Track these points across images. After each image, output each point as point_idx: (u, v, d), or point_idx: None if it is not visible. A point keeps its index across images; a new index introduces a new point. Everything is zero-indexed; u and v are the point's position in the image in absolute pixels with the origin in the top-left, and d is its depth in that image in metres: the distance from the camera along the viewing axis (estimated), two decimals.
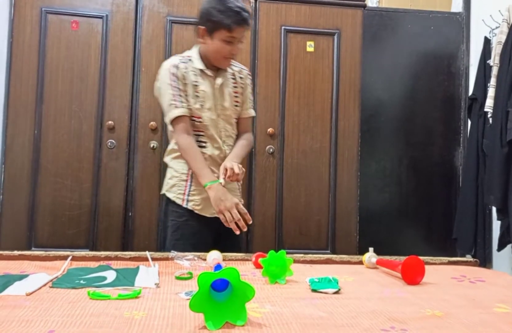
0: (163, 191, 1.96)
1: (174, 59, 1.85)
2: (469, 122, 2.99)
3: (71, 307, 1.05)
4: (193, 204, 1.86)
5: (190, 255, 1.59)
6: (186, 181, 1.88)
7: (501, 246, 2.59)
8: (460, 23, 3.22)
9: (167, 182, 1.94)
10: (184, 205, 1.86)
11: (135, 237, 2.55)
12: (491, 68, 2.69)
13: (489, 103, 2.63)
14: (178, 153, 1.89)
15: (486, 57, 2.85)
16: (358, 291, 1.29)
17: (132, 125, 2.57)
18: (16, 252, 1.57)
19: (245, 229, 1.74)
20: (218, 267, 1.22)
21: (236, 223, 1.72)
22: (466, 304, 1.19)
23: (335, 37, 2.72)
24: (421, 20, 3.20)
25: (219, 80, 1.87)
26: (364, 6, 2.79)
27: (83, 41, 2.55)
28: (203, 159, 1.81)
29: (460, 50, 3.21)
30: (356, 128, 2.74)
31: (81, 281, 1.27)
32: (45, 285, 1.23)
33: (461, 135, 3.20)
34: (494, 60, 2.65)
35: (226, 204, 1.72)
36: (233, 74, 1.94)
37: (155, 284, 1.27)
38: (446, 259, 1.77)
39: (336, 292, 1.26)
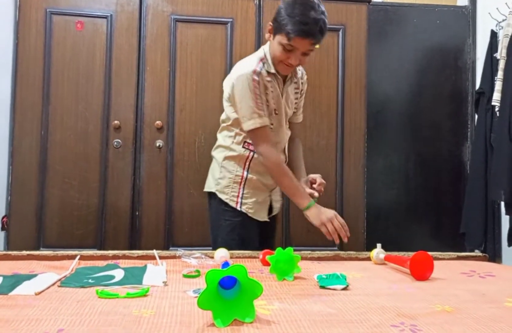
0: (213, 189, 1.89)
1: (255, 65, 1.74)
2: (476, 116, 2.97)
3: (80, 306, 1.05)
4: (247, 207, 1.85)
5: (197, 253, 1.60)
6: (240, 183, 1.84)
7: (511, 241, 2.57)
8: (466, 16, 3.19)
9: (218, 181, 1.88)
10: (238, 208, 1.84)
11: (143, 235, 2.56)
12: (498, 62, 2.67)
13: (497, 96, 2.61)
14: (231, 153, 1.86)
15: (493, 51, 2.83)
16: (366, 287, 1.28)
17: (138, 125, 2.58)
18: (24, 252, 1.58)
19: (346, 240, 1.73)
20: (225, 264, 1.21)
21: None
22: (476, 299, 1.18)
23: (340, 33, 2.71)
24: (426, 15, 3.18)
25: (287, 86, 1.82)
26: (369, 1, 2.77)
27: (88, 42, 2.56)
28: (294, 178, 1.79)
29: (467, 44, 3.19)
30: (363, 124, 2.73)
31: (90, 280, 1.27)
32: (53, 284, 1.23)
33: (469, 129, 3.17)
34: (501, 54, 2.62)
35: (327, 215, 1.72)
36: (295, 78, 1.87)
37: (163, 282, 1.27)
38: (455, 254, 1.76)
39: (345, 289, 1.25)
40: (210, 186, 1.92)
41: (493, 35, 2.88)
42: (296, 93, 1.89)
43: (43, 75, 2.52)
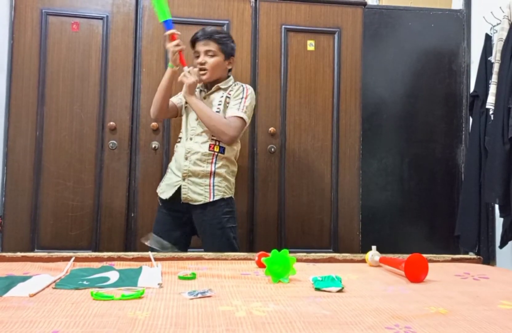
0: None
1: None
2: (471, 119, 2.99)
3: (74, 308, 1.05)
4: (160, 189, 2.22)
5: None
6: (167, 173, 2.24)
7: (503, 243, 2.58)
8: (461, 20, 3.21)
9: None
10: (158, 192, 2.23)
11: (138, 237, 2.55)
12: (492, 65, 2.68)
13: (491, 100, 2.62)
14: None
15: (487, 54, 2.84)
16: (361, 289, 1.29)
17: (133, 126, 2.57)
18: (19, 254, 1.57)
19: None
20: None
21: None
22: (470, 301, 1.19)
23: (336, 35, 2.72)
24: (421, 18, 3.19)
25: (211, 96, 2.17)
26: (365, 4, 2.78)
27: (84, 43, 2.55)
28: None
29: (461, 48, 3.21)
30: (358, 126, 2.74)
31: (84, 282, 1.27)
32: (48, 286, 1.23)
33: (463, 132, 3.19)
34: (495, 57, 2.64)
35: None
36: (225, 89, 2.17)
37: (158, 284, 1.27)
38: (449, 256, 1.77)
39: (340, 291, 1.25)
40: None
41: (488, 38, 2.89)
42: (219, 103, 2.15)
43: (39, 76, 2.51)
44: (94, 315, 1.00)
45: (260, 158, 2.64)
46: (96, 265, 1.49)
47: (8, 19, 2.56)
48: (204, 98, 2.15)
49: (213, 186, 2.10)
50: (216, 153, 2.10)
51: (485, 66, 2.85)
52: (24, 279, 1.27)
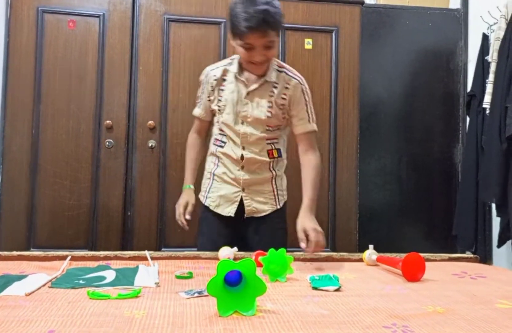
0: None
1: (211, 65, 1.88)
2: (468, 118, 2.99)
3: (70, 307, 1.04)
4: (210, 200, 1.89)
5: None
6: (209, 179, 1.91)
7: (501, 242, 2.59)
8: (458, 19, 3.21)
9: (202, 182, 1.99)
10: (204, 202, 1.91)
11: (135, 236, 2.54)
12: (490, 64, 2.69)
13: (488, 99, 2.63)
14: (209, 152, 1.94)
15: (485, 54, 2.85)
16: (359, 288, 1.29)
17: (130, 125, 2.57)
18: (15, 253, 1.56)
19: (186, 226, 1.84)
20: None
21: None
22: (468, 300, 1.19)
23: (333, 34, 2.72)
24: (419, 17, 3.20)
25: (257, 90, 1.77)
26: (362, 3, 2.79)
27: (80, 41, 2.54)
28: (191, 161, 1.95)
29: (458, 47, 3.21)
30: (355, 125, 2.74)
31: (81, 281, 1.26)
32: (44, 285, 1.22)
33: (460, 132, 3.19)
34: (492, 56, 2.64)
35: (179, 202, 1.88)
36: (276, 83, 1.78)
37: (155, 283, 1.26)
38: (446, 255, 1.77)
39: (337, 290, 1.25)
40: None
41: (485, 38, 2.90)
42: (270, 96, 1.77)
43: (35, 74, 2.50)
44: (90, 314, 0.99)
45: None
46: (93, 264, 1.48)
47: (4, 17, 2.55)
48: (248, 94, 1.77)
49: (277, 190, 1.92)
50: (275, 158, 1.88)
51: (482, 65, 2.85)
52: (20, 278, 1.26)
